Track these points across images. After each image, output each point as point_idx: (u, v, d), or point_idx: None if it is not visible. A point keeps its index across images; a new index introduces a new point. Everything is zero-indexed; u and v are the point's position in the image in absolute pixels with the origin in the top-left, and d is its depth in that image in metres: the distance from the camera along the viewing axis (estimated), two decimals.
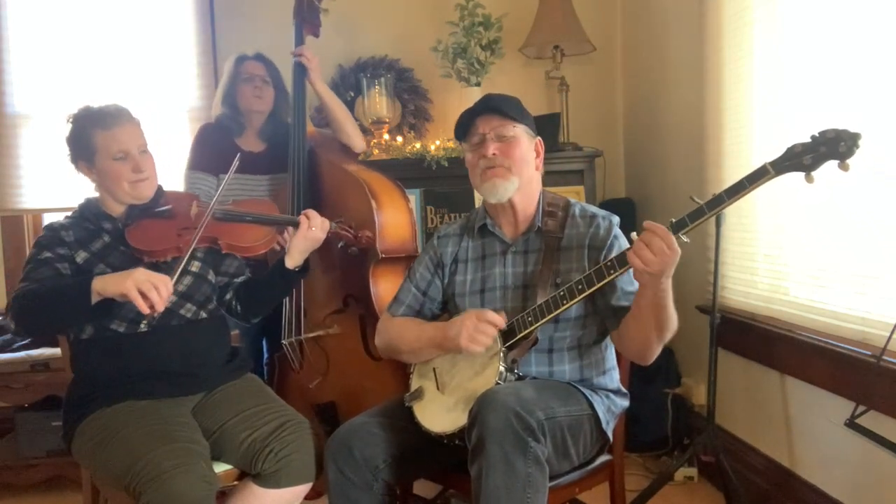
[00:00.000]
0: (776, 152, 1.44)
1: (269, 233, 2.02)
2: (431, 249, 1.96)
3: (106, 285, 1.68)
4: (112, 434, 1.72)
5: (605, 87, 3.58)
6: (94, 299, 1.69)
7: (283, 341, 2.48)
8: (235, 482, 1.85)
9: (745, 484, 2.41)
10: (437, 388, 1.79)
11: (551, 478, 1.60)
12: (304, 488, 1.81)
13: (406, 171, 2.96)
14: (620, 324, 1.71)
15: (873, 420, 1.67)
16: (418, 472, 1.87)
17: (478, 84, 3.21)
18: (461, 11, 3.18)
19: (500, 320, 1.67)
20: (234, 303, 2.07)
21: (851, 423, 1.64)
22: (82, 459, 1.85)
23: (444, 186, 3.05)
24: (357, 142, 2.66)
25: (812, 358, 2.13)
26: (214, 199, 1.88)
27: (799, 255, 2.21)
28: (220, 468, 1.82)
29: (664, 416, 2.94)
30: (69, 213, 1.95)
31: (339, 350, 2.44)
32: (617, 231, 1.81)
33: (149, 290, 1.63)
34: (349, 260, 2.28)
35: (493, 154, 1.77)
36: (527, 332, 1.68)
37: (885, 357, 1.67)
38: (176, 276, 1.72)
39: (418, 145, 3.13)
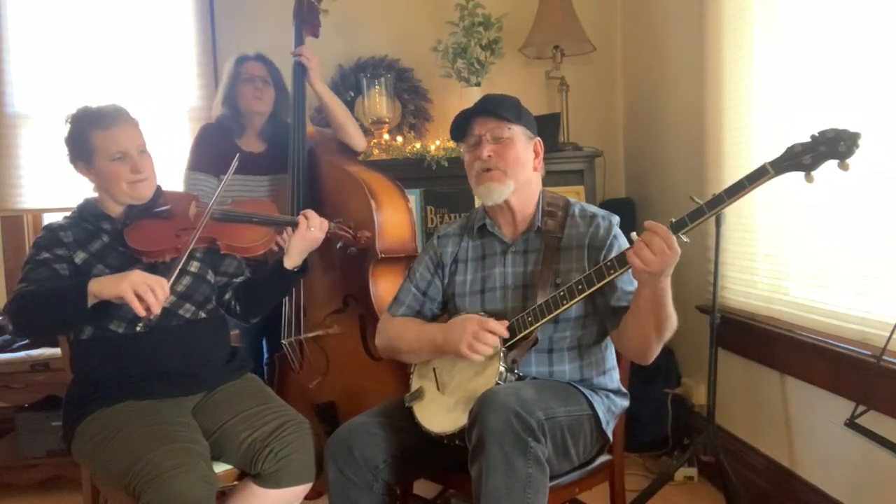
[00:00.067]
0: (776, 152, 1.44)
1: (268, 233, 2.01)
2: (431, 249, 1.96)
3: (102, 288, 1.67)
4: (112, 434, 1.72)
5: (605, 87, 3.58)
6: (91, 301, 1.68)
7: (283, 341, 2.48)
8: (235, 482, 1.85)
9: (745, 484, 2.41)
10: (438, 389, 1.79)
11: (551, 478, 1.60)
12: (304, 488, 1.81)
13: (406, 171, 2.97)
14: (620, 323, 1.71)
15: (873, 420, 1.67)
16: (418, 472, 1.87)
17: (478, 84, 3.21)
18: (461, 11, 3.18)
19: (502, 329, 1.68)
20: (233, 303, 2.07)
21: (851, 423, 1.64)
22: (82, 459, 1.85)
23: (444, 186, 3.05)
24: (358, 141, 2.66)
25: (812, 358, 2.13)
26: (213, 200, 1.88)
27: (799, 255, 2.21)
28: (220, 468, 1.82)
29: (664, 416, 2.94)
30: (68, 214, 1.95)
31: (338, 350, 2.44)
32: (617, 231, 1.80)
33: (145, 292, 1.63)
34: (349, 260, 2.28)
35: (489, 156, 1.77)
36: (527, 332, 1.68)
37: (885, 357, 1.67)
38: (173, 278, 1.72)
39: (418, 145, 3.13)
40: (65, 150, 1.92)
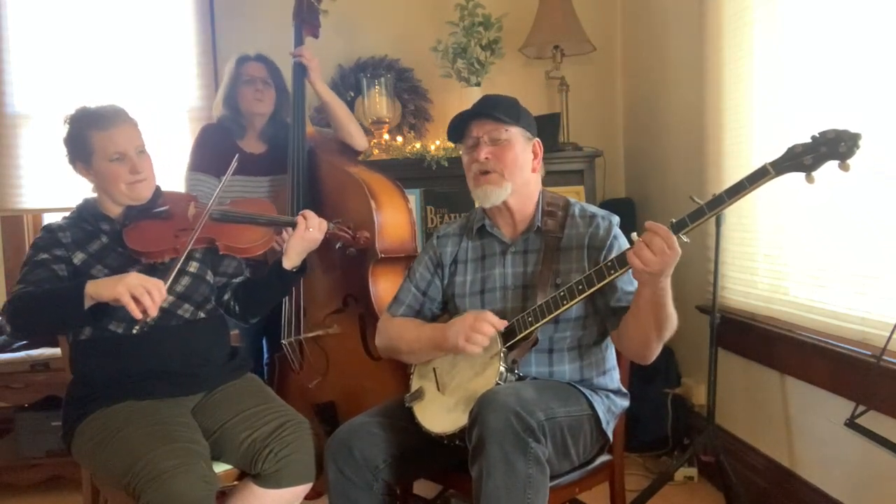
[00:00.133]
0: (776, 152, 1.44)
1: (267, 233, 2.01)
2: (431, 249, 1.96)
3: (99, 290, 1.67)
4: (112, 434, 1.72)
5: (605, 87, 3.58)
6: (88, 303, 1.68)
7: (283, 341, 2.48)
8: (235, 482, 1.85)
9: (745, 484, 2.41)
10: (438, 389, 1.79)
11: (551, 478, 1.60)
12: (304, 488, 1.81)
13: (406, 171, 2.97)
14: (620, 323, 1.71)
15: (873, 420, 1.67)
16: (418, 472, 1.87)
17: (478, 84, 3.21)
18: (461, 11, 3.18)
19: (499, 322, 1.68)
20: (232, 303, 2.07)
21: (851, 423, 1.64)
22: (82, 459, 1.85)
23: (444, 186, 3.05)
24: (360, 140, 2.66)
25: (812, 358, 2.13)
26: (212, 200, 1.88)
27: (799, 255, 2.21)
28: (220, 468, 1.81)
29: (664, 416, 2.94)
30: (67, 214, 1.95)
31: (338, 350, 2.44)
32: (617, 231, 1.80)
33: (141, 294, 1.62)
34: (349, 260, 2.28)
35: (486, 158, 1.77)
36: (527, 332, 1.68)
37: (885, 357, 1.67)
38: (171, 279, 1.72)
39: (418, 145, 3.13)
40: (64, 151, 1.91)
